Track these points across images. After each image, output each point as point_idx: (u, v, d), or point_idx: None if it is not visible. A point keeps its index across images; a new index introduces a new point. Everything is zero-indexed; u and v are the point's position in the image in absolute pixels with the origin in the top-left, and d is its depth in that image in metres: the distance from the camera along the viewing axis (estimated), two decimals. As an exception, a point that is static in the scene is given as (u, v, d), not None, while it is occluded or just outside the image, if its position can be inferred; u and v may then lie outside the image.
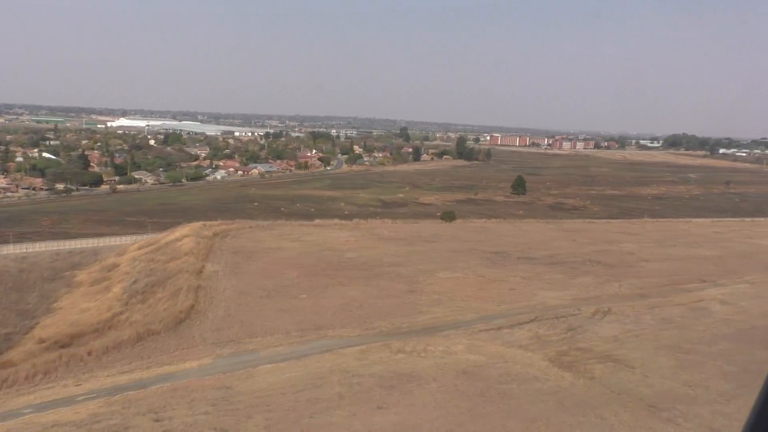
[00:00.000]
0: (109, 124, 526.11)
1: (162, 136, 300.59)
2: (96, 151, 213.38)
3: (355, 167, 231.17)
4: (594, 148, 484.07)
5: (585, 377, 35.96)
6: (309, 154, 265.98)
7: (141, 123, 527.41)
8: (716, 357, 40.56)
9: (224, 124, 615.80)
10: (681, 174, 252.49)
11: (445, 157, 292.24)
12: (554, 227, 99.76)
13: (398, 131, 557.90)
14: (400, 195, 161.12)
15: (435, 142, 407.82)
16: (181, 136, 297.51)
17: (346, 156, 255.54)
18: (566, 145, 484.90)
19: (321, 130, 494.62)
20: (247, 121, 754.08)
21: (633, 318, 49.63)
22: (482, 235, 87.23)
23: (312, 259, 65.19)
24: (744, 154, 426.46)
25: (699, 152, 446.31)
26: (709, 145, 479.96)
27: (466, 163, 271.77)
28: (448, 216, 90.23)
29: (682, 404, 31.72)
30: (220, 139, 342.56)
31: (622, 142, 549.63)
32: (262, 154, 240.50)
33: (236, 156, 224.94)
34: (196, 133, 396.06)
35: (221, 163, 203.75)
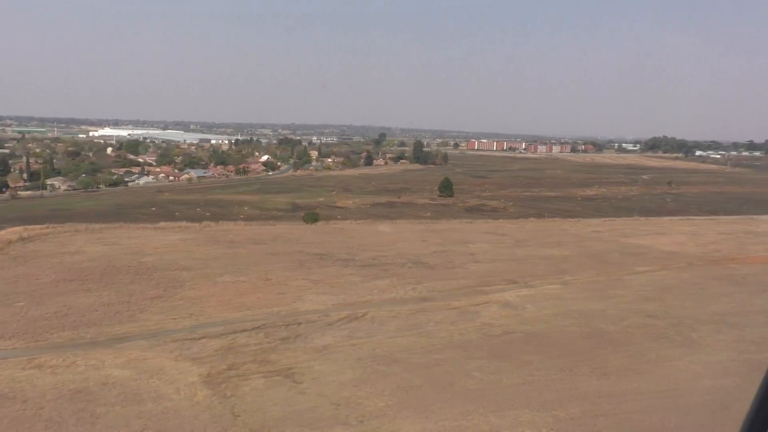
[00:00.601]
0: (91, 133, 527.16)
1: (118, 144, 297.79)
2: (35, 159, 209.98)
3: (299, 172, 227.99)
4: (570, 152, 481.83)
5: (223, 395, 31.83)
6: (260, 160, 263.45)
7: (123, 132, 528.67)
8: (415, 369, 36.35)
9: (217, 133, 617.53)
10: (635, 175, 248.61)
11: (401, 161, 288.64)
12: (423, 228, 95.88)
13: (378, 137, 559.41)
14: (321, 199, 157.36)
15: (403, 148, 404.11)
16: (139, 143, 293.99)
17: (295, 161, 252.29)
18: (542, 148, 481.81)
19: (293, 137, 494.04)
20: (239, 129, 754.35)
21: (376, 324, 45.47)
22: (332, 236, 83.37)
23: (97, 264, 61.18)
24: (718, 156, 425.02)
25: (674, 155, 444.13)
26: (687, 148, 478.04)
27: (420, 167, 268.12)
28: (311, 217, 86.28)
29: (298, 428, 27.52)
30: (185, 146, 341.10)
31: (599, 145, 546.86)
32: (207, 159, 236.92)
33: (176, 162, 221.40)
34: (165, 141, 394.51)
35: (158, 169, 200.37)
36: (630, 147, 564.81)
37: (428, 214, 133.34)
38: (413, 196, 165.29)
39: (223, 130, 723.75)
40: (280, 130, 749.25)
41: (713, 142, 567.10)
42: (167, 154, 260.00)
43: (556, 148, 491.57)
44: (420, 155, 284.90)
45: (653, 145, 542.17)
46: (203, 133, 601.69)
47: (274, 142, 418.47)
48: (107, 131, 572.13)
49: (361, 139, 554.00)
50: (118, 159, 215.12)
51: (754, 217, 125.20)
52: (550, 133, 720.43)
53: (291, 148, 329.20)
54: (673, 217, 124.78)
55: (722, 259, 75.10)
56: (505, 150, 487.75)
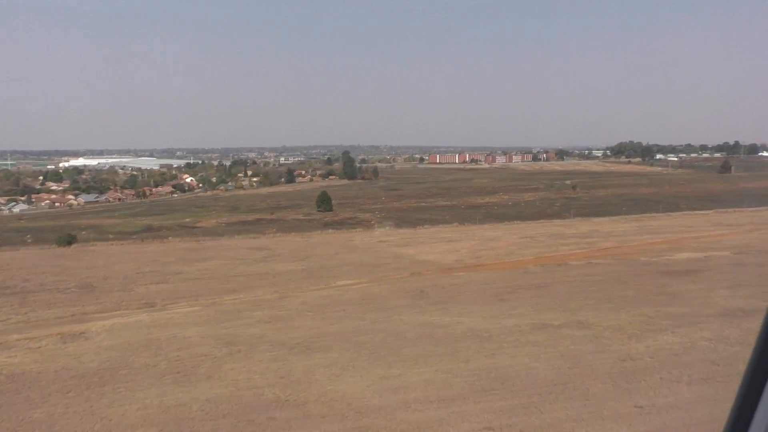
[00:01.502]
0: (62, 164, 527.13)
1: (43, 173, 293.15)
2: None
3: (208, 192, 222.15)
4: (531, 161, 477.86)
5: None
6: (187, 181, 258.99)
7: (93, 162, 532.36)
8: None
9: (203, 158, 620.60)
10: (563, 181, 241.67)
11: (330, 177, 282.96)
12: (193, 246, 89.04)
13: (342, 155, 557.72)
14: (187, 219, 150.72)
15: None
16: (61, 172, 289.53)
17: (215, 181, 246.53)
18: (501, 159, 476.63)
19: (243, 156, 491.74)
20: (225, 154, 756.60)
21: None
22: (58, 261, 76.44)
23: None
24: (675, 159, 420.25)
25: (634, 159, 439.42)
26: (649, 152, 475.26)
27: (345, 182, 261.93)
28: (64, 240, 79.36)
29: None
30: (127, 172, 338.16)
31: (565, 153, 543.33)
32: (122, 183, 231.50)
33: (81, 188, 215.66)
34: (126, 168, 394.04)
35: (50, 196, 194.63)
36: (597, 153, 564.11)
37: (273, 229, 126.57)
38: (290, 213, 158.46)
39: (209, 155, 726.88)
40: (266, 153, 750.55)
41: (686, 145, 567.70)
42: (97, 179, 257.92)
43: (516, 158, 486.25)
44: (349, 171, 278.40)
45: (619, 151, 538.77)
46: (178, 159, 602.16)
47: (225, 164, 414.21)
48: (80, 161, 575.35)
49: (321, 158, 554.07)
50: (14, 188, 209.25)
51: (634, 216, 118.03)
52: (531, 144, 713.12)
53: (243, 168, 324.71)
54: (522, 222, 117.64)
55: (463, 267, 67.83)
56: (466, 162, 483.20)
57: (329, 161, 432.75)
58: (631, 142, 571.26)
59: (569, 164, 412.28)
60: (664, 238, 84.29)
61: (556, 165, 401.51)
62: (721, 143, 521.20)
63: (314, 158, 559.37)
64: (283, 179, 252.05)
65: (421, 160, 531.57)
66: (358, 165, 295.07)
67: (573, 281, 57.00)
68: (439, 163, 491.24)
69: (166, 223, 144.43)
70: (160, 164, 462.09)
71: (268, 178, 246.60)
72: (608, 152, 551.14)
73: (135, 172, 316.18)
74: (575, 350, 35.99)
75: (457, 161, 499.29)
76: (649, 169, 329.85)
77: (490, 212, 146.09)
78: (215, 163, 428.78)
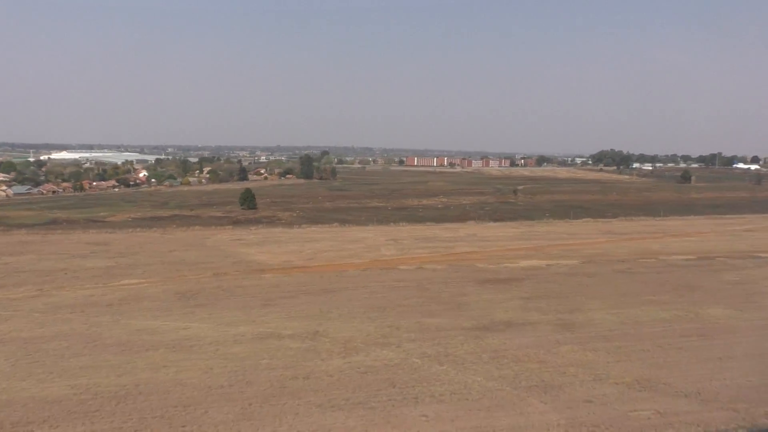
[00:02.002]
0: (42, 157, 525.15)
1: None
2: None
3: (153, 188, 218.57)
4: (510, 166, 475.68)
5: None
6: (139, 176, 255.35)
7: (75, 155, 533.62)
8: None
9: (194, 156, 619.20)
10: (517, 185, 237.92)
11: (288, 176, 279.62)
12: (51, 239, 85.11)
13: (320, 154, 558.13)
14: (102, 213, 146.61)
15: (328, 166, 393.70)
16: (15, 164, 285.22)
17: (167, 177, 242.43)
18: (477, 163, 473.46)
19: (234, 155, 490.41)
20: (217, 152, 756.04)
21: None
22: None
23: None
24: (650, 168, 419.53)
25: (610, 168, 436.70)
26: (628, 161, 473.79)
27: (299, 182, 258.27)
28: None
29: None
30: (91, 165, 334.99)
31: (547, 160, 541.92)
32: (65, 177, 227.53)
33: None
34: (97, 162, 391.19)
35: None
36: (580, 161, 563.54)
37: (174, 225, 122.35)
38: (212, 210, 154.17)
39: (200, 153, 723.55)
40: (258, 152, 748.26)
41: (671, 155, 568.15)
42: (52, 172, 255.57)
43: (494, 163, 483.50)
44: (306, 170, 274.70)
45: (599, 159, 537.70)
46: (167, 155, 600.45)
47: (194, 161, 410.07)
48: (63, 154, 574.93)
49: (302, 157, 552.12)
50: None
51: (541, 221, 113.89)
52: (524, 150, 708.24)
53: (200, 165, 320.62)
54: (422, 224, 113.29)
55: (283, 269, 63.97)
56: (443, 165, 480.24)
57: (302, 160, 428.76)
58: (612, 150, 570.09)
59: (541, 170, 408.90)
60: (533, 245, 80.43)
61: (526, 171, 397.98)
62: (706, 154, 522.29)
63: (294, 158, 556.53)
64: (234, 177, 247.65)
65: (401, 162, 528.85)
66: (316, 165, 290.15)
67: (369, 287, 53.49)
68: (416, 165, 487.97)
69: (77, 217, 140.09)
70: (137, 159, 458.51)
71: (217, 175, 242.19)
72: (589, 160, 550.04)
73: (93, 166, 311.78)
74: (252, 365, 32.30)
75: (434, 164, 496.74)
76: (615, 176, 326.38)
77: (411, 214, 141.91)
78: (194, 160, 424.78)
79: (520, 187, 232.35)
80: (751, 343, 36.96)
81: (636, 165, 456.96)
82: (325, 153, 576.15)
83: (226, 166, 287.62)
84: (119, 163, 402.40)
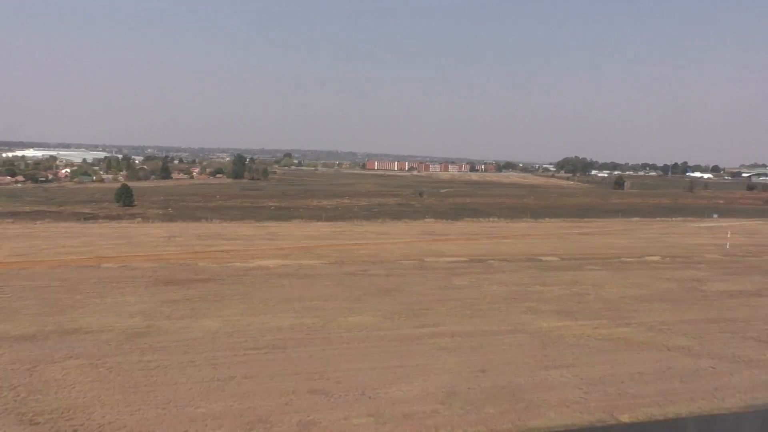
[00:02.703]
0: (5, 155, 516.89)
1: None
2: None
3: (63, 183, 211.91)
4: (469, 171, 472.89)
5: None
6: (62, 173, 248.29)
7: (38, 153, 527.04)
8: None
9: (176, 157, 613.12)
10: (446, 188, 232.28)
11: (218, 175, 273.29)
12: None
13: (283, 157, 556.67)
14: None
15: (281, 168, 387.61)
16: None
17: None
18: (435, 167, 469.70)
19: (211, 156, 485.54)
20: (198, 153, 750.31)
21: None
22: None
23: None
24: (605, 175, 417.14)
25: (566, 174, 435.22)
26: (587, 168, 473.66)
27: (228, 181, 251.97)
28: None
29: None
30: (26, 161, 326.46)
31: (509, 166, 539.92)
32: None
33: None
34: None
35: None
36: (545, 167, 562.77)
37: (11, 221, 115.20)
38: (85, 206, 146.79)
39: (179, 154, 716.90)
40: (220, 154, 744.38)
41: (635, 164, 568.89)
42: None
43: (454, 168, 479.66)
44: (238, 170, 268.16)
45: (562, 166, 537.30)
46: (135, 154, 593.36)
47: (136, 159, 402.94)
48: (30, 152, 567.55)
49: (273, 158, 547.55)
50: None
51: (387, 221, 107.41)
52: (503, 157, 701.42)
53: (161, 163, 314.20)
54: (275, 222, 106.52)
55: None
56: (404, 170, 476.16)
57: (235, 159, 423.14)
58: (576, 157, 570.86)
59: (492, 175, 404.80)
60: (311, 243, 73.73)
61: (475, 175, 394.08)
62: (671, 164, 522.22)
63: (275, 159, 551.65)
64: (154, 175, 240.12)
65: (363, 166, 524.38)
66: (248, 165, 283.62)
67: None
68: (376, 169, 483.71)
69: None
70: (93, 158, 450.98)
71: (135, 173, 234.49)
72: (551, 167, 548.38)
73: (23, 162, 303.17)
74: None
75: (395, 168, 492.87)
76: (560, 182, 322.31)
77: (285, 213, 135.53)
78: (138, 159, 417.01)
79: (443, 190, 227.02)
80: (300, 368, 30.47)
81: (594, 172, 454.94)
82: (287, 155, 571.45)
83: (151, 165, 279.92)
84: (77, 161, 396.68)
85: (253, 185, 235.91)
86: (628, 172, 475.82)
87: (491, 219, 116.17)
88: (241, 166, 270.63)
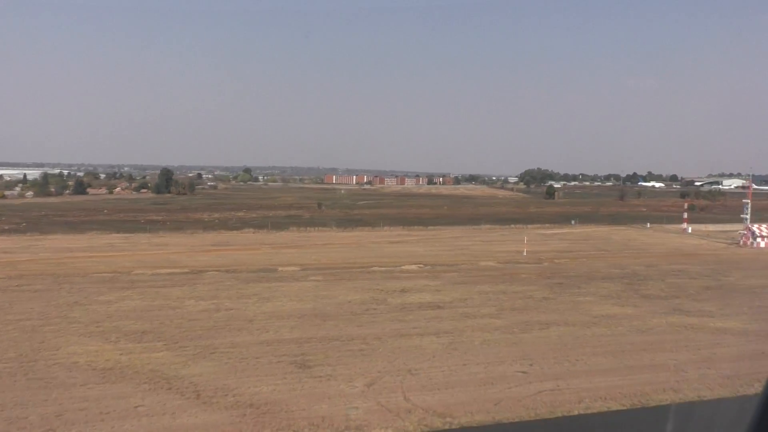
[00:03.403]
0: None
1: None
2: None
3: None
4: (427, 184, 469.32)
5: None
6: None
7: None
8: None
9: (150, 174, 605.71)
10: (356, 200, 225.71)
11: (143, 190, 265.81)
12: None
13: (243, 172, 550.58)
14: None
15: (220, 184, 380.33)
16: None
17: None
18: (392, 181, 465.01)
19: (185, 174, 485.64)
20: (176, 171, 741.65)
21: None
22: None
23: None
24: (558, 186, 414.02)
25: (518, 185, 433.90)
26: (547, 179, 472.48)
27: (149, 195, 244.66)
28: None
29: None
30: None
31: (473, 178, 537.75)
32: None
33: None
34: None
35: None
36: (513, 180, 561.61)
37: None
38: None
39: (151, 172, 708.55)
40: (217, 171, 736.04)
41: (594, 175, 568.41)
42: None
43: (411, 181, 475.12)
44: (161, 184, 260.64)
45: (524, 178, 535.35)
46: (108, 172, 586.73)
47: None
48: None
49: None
50: None
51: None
52: (474, 171, 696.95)
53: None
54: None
55: None
56: (361, 183, 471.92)
57: (161, 174, 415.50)
58: (539, 169, 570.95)
59: (444, 188, 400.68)
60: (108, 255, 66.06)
61: (422, 188, 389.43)
62: (631, 174, 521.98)
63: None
64: (68, 191, 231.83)
65: (321, 180, 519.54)
66: (175, 179, 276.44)
67: None
68: (333, 183, 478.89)
69: None
70: (25, 174, 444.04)
71: (45, 189, 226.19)
72: (512, 179, 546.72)
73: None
74: None
75: (353, 182, 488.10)
76: (502, 192, 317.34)
77: (157, 227, 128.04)
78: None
79: (361, 202, 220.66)
80: None
81: (551, 183, 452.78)
82: (246, 170, 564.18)
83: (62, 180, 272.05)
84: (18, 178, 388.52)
85: (170, 199, 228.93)
86: (586, 183, 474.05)
87: (344, 229, 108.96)
88: (165, 180, 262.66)
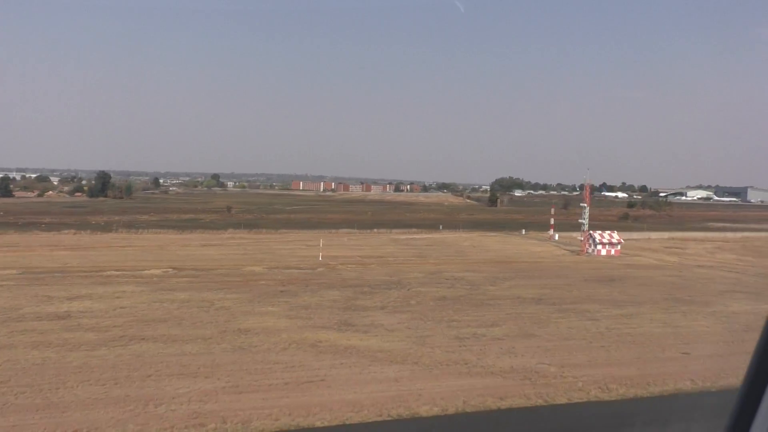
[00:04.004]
0: None
1: None
2: None
3: None
4: (394, 191, 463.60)
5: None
6: None
7: None
8: None
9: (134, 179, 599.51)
10: (296, 205, 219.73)
11: (77, 193, 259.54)
12: None
13: (211, 177, 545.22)
14: None
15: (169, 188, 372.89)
16: None
17: None
18: (357, 188, 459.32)
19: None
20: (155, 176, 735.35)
21: None
22: None
23: None
24: (520, 194, 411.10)
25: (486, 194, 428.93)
26: (512, 187, 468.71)
27: (82, 199, 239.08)
28: None
29: None
30: None
31: (445, 187, 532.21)
32: None
33: None
34: None
35: None
36: (486, 187, 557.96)
37: None
38: None
39: (139, 176, 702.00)
40: (199, 177, 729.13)
41: (557, 184, 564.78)
42: None
43: (377, 188, 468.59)
44: (97, 187, 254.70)
45: (493, 186, 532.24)
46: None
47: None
48: None
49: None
50: None
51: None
52: (450, 180, 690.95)
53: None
54: None
55: None
56: (329, 190, 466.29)
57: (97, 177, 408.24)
58: (510, 177, 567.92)
59: (405, 195, 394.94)
60: None
61: (377, 196, 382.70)
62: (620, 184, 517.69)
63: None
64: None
65: (288, 187, 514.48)
66: (112, 183, 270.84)
67: None
68: (300, 189, 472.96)
69: None
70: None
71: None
72: (486, 187, 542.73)
73: None
74: None
75: (321, 189, 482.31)
76: (459, 201, 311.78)
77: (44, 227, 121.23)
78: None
79: (290, 207, 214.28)
80: None
81: (517, 191, 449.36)
82: (215, 176, 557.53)
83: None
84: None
85: (98, 203, 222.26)
86: (552, 192, 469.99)
87: (206, 231, 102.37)
88: (102, 184, 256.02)
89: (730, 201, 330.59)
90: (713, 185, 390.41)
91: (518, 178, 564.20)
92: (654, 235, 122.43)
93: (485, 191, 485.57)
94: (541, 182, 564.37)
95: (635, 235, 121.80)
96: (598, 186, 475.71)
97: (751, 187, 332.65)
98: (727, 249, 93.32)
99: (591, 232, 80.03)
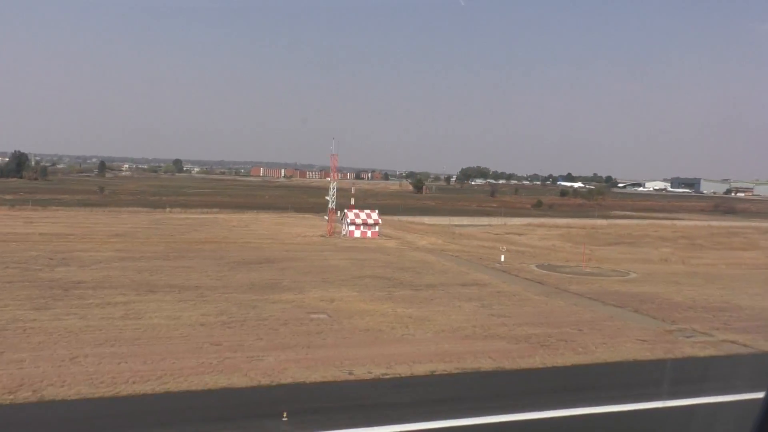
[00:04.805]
0: None
1: None
2: None
3: None
4: (354, 179, 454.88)
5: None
6: None
7: None
8: None
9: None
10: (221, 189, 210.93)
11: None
12: None
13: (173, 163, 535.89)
14: None
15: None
16: None
17: None
18: (315, 175, 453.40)
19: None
20: (143, 162, 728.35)
21: None
22: None
23: None
24: (480, 183, 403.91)
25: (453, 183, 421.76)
26: (479, 176, 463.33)
27: None
28: None
29: None
30: None
31: (386, 175, 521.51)
32: None
33: None
34: None
35: None
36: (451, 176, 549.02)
37: None
38: None
39: (121, 163, 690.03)
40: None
41: (532, 174, 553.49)
42: None
43: (339, 175, 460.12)
44: (12, 168, 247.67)
45: (467, 173, 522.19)
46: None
47: None
48: None
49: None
50: None
51: None
52: (424, 169, 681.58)
53: None
54: None
55: None
56: (287, 177, 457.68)
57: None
58: (478, 167, 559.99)
59: (347, 182, 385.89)
60: None
61: (321, 182, 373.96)
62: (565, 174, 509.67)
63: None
64: None
65: (244, 173, 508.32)
66: (30, 165, 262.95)
67: None
68: (259, 176, 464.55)
69: None
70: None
71: None
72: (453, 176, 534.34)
73: None
74: None
75: (282, 175, 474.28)
76: (406, 188, 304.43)
77: None
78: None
79: (189, 189, 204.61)
80: None
81: (477, 180, 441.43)
82: (177, 161, 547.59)
83: None
84: None
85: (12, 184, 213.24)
86: (513, 181, 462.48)
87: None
88: (15, 165, 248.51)
89: (683, 192, 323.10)
90: (670, 177, 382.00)
91: (485, 168, 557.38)
92: (516, 221, 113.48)
93: (447, 180, 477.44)
94: (518, 173, 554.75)
95: (495, 220, 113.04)
96: (550, 176, 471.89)
97: (704, 178, 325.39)
98: (554, 237, 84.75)
99: (348, 211, 70.60)
